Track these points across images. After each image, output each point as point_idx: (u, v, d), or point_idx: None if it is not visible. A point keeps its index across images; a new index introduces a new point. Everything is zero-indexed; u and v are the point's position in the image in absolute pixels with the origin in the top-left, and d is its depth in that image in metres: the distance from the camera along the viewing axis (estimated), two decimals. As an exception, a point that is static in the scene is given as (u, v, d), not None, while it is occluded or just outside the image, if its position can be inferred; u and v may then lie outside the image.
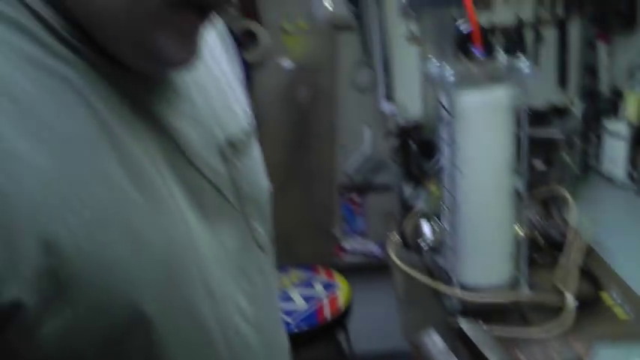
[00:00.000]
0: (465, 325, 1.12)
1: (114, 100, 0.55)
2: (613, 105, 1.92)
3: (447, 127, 1.13)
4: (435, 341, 1.10)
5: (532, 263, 1.22)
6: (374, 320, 2.54)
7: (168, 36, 0.54)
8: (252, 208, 0.72)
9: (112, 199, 0.51)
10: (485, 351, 1.02)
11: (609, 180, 1.82)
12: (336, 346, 2.52)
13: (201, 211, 0.62)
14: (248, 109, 0.80)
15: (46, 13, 0.52)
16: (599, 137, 1.91)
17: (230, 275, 0.65)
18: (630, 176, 1.72)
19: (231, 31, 2.81)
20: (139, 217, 0.53)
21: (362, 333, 2.64)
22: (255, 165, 0.76)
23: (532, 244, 1.28)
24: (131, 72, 0.57)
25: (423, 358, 1.09)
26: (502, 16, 2.70)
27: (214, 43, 0.78)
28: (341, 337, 2.50)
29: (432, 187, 1.42)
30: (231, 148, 0.69)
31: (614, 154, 1.79)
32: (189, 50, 0.58)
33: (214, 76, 0.74)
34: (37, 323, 0.47)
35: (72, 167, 0.49)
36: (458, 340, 1.10)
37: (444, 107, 1.14)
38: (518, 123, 1.12)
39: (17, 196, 0.45)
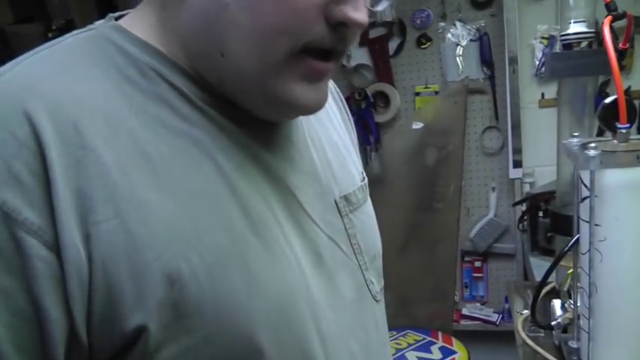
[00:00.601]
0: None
1: (237, 157, 0.62)
2: None
3: (587, 204, 1.08)
4: None
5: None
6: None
7: (297, 83, 0.61)
8: (367, 260, 0.76)
9: (233, 244, 0.58)
10: None
11: None
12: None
13: (319, 260, 0.68)
14: (362, 170, 0.85)
15: (182, 83, 0.61)
16: None
17: (346, 322, 0.69)
18: None
19: (365, 93, 2.89)
20: (256, 260, 0.59)
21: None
22: (369, 220, 0.80)
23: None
24: (254, 131, 0.65)
25: None
26: (640, 81, 2.61)
27: (332, 108, 0.85)
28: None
29: (566, 264, 1.36)
30: (347, 204, 0.75)
31: None
32: (319, 94, 0.64)
33: (331, 136, 0.81)
34: (158, 347, 0.53)
35: (197, 216, 0.57)
36: None
37: (584, 184, 1.09)
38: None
39: (146, 238, 0.53)
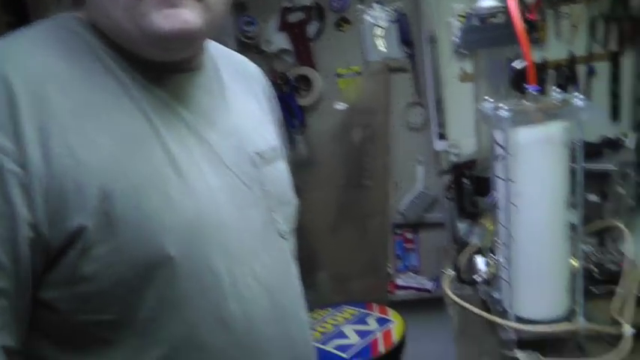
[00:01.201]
0: (521, 357, 1.14)
1: (164, 113, 0.81)
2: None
3: (502, 163, 1.16)
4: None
5: (588, 295, 1.22)
6: (428, 356, 2.53)
7: (154, 13, 0.74)
8: (275, 204, 0.93)
9: (154, 174, 0.77)
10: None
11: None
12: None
13: (232, 197, 0.85)
14: (279, 141, 1.03)
15: (117, 55, 0.80)
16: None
17: (252, 246, 0.87)
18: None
19: (287, 77, 2.93)
20: (173, 188, 0.77)
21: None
22: (280, 175, 0.99)
23: (588, 276, 1.29)
24: (178, 95, 0.84)
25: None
26: (555, 52, 2.72)
27: (252, 86, 1.04)
28: (396, 372, 2.49)
29: (487, 223, 1.44)
30: (260, 158, 0.93)
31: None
32: (175, 20, 0.76)
33: (249, 107, 1.00)
34: (92, 245, 0.72)
35: (127, 152, 0.76)
36: (515, 371, 1.11)
37: (498, 144, 1.17)
38: (572, 157, 1.14)
39: (87, 164, 0.72)
